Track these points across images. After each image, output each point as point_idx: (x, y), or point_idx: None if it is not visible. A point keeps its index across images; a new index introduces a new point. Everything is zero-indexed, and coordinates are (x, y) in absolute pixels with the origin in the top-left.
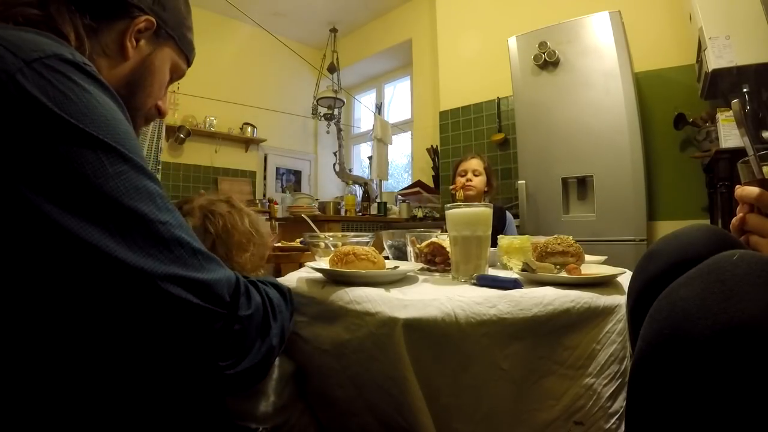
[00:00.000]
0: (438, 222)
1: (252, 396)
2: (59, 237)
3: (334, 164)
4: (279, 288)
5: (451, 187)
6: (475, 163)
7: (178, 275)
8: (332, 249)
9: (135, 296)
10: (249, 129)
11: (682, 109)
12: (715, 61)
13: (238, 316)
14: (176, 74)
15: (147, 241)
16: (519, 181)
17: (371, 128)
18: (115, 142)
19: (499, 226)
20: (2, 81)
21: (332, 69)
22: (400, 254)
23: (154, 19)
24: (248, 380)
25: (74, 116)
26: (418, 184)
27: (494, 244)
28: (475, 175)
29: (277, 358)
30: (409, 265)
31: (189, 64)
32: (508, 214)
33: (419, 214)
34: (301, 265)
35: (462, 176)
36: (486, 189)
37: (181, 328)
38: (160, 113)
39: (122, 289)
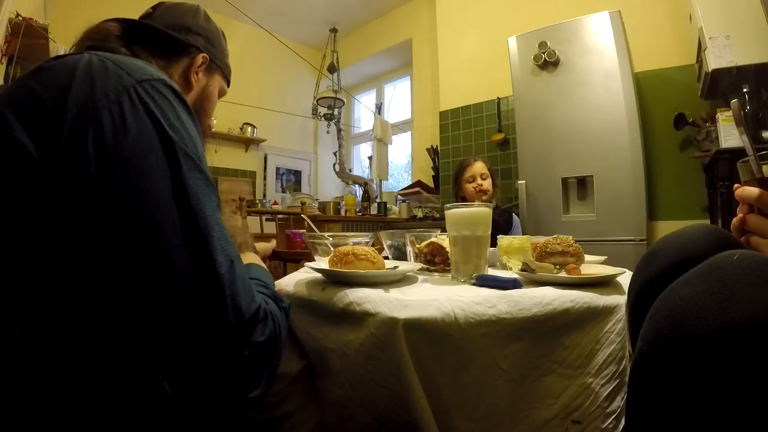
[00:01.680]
0: (438, 222)
1: None
2: (128, 220)
3: (334, 164)
4: (280, 303)
5: (468, 187)
6: (480, 167)
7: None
8: (332, 249)
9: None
10: (249, 129)
11: (682, 109)
12: (715, 61)
13: (251, 342)
14: (221, 95)
15: (202, 239)
16: (519, 181)
17: (371, 128)
18: (194, 154)
19: (506, 227)
20: (120, 92)
21: (332, 69)
22: (400, 254)
23: (207, 56)
24: (253, 408)
25: (170, 127)
26: (418, 184)
27: (494, 244)
28: (483, 179)
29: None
30: (409, 265)
31: (229, 84)
32: (515, 216)
33: (419, 214)
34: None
35: (470, 182)
36: (492, 191)
37: (191, 335)
38: (210, 129)
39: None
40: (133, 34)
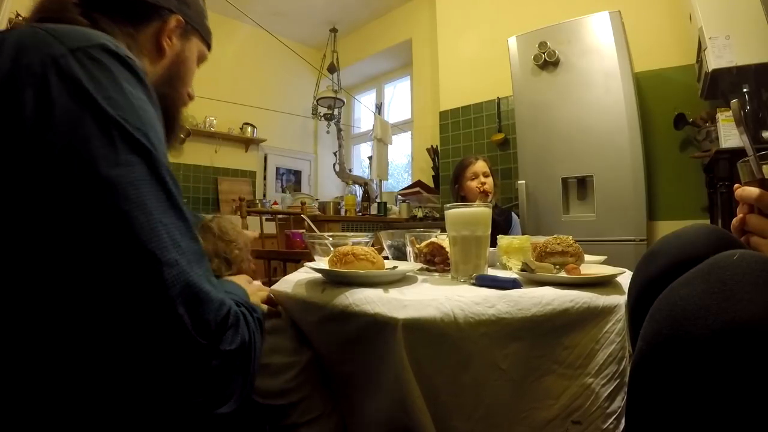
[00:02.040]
0: (438, 222)
1: (266, 373)
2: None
3: (334, 164)
4: (254, 313)
5: (478, 187)
6: (483, 165)
7: (181, 266)
8: (332, 249)
9: (136, 280)
10: (249, 129)
11: (682, 109)
12: (715, 61)
13: (220, 350)
14: (201, 60)
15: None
16: (519, 181)
17: (371, 128)
18: (139, 132)
19: (505, 226)
20: (46, 64)
21: (332, 69)
22: (400, 254)
23: (182, 18)
24: (226, 422)
25: (106, 100)
26: (418, 184)
27: (494, 244)
28: (486, 177)
29: (296, 344)
30: (408, 265)
31: (210, 48)
32: (515, 216)
33: (419, 214)
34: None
35: (473, 179)
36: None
37: (155, 336)
38: (190, 98)
39: (124, 273)
40: (94, 1)
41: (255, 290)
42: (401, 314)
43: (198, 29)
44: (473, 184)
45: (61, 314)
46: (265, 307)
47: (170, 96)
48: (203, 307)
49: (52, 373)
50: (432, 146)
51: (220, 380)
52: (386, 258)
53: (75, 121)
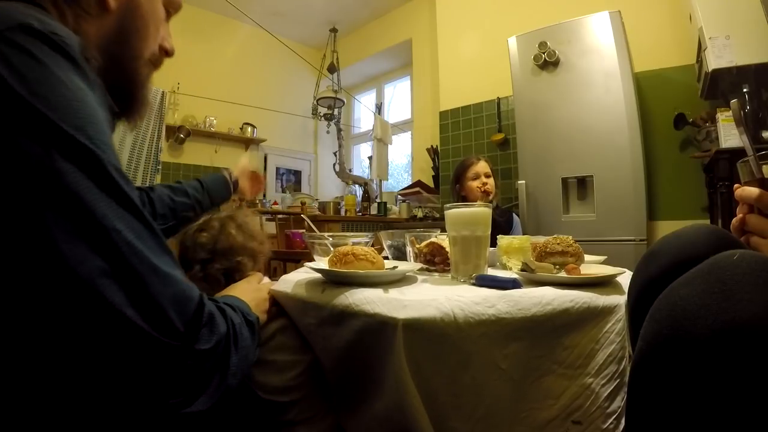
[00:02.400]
0: (438, 222)
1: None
2: None
3: (334, 164)
4: (246, 316)
5: (479, 186)
6: (485, 165)
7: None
8: (332, 249)
9: (67, 295)
10: (249, 129)
11: (682, 109)
12: (715, 61)
13: (195, 350)
14: (172, 7)
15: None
16: (519, 181)
17: (371, 128)
18: (75, 128)
19: (506, 227)
20: None
21: (332, 69)
22: (400, 254)
23: None
24: (205, 419)
25: (31, 95)
26: (418, 184)
27: (494, 244)
28: (488, 177)
29: (301, 343)
30: (408, 265)
31: None
32: (515, 216)
33: (419, 214)
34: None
35: (475, 180)
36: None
37: (113, 348)
38: (167, 53)
39: (56, 287)
40: None
41: (259, 302)
42: (401, 314)
43: None
44: (474, 184)
45: (23, 329)
46: (265, 316)
47: (126, 56)
48: (170, 310)
49: (24, 383)
50: (432, 146)
51: (196, 379)
52: (386, 258)
53: (6, 127)
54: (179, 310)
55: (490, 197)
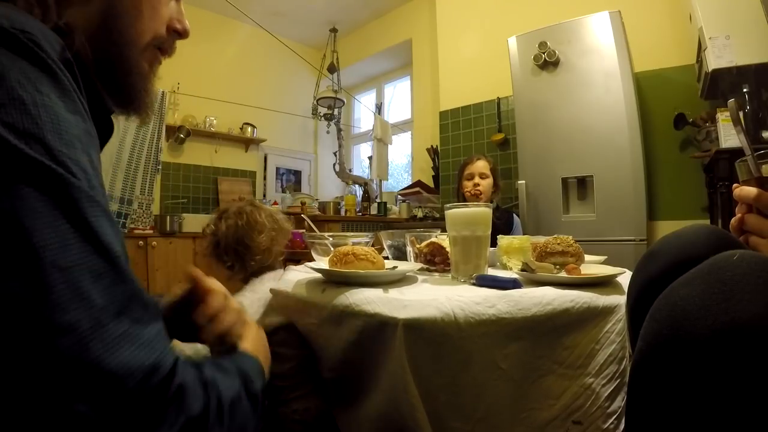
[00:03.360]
0: (438, 222)
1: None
2: None
3: (334, 164)
4: (250, 385)
5: (466, 191)
6: (481, 165)
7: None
8: (332, 249)
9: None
10: (249, 129)
11: (682, 109)
12: (715, 61)
13: None
14: None
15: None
16: (519, 181)
17: (371, 128)
18: (44, 149)
19: (506, 229)
20: None
21: (332, 69)
22: (400, 254)
23: None
24: None
25: None
26: (418, 184)
27: (494, 244)
28: (482, 178)
29: (302, 340)
30: (408, 265)
31: None
32: (515, 217)
33: (419, 214)
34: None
35: (469, 180)
36: (493, 190)
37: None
38: (180, 34)
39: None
40: None
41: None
42: (401, 314)
43: None
44: (468, 184)
45: None
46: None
47: (116, 43)
48: (117, 387)
49: None
50: (432, 146)
51: None
52: (386, 258)
53: None
54: (133, 380)
55: (482, 198)
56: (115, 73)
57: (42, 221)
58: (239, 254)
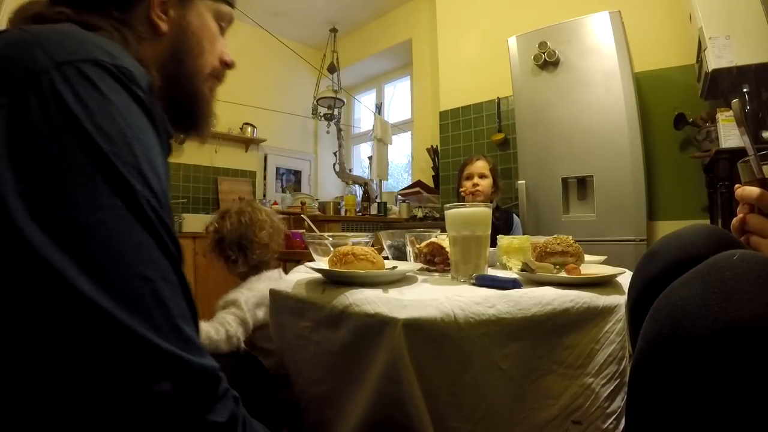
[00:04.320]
0: (438, 222)
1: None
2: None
3: (334, 164)
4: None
5: (461, 191)
6: (480, 166)
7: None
8: (332, 249)
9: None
10: (249, 129)
11: (682, 109)
12: (715, 61)
13: (205, 420)
14: (224, 20)
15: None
16: (519, 181)
17: (371, 128)
18: (132, 172)
19: (506, 229)
20: (27, 81)
21: (332, 69)
22: (400, 254)
23: None
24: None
25: (96, 129)
26: (418, 184)
27: (494, 244)
28: (481, 178)
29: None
30: (408, 265)
31: (232, 4)
32: (516, 217)
33: (419, 214)
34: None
35: (468, 180)
36: (493, 190)
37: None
38: (228, 65)
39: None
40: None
41: None
42: (401, 314)
43: None
44: (466, 184)
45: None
46: None
47: (184, 75)
48: (185, 379)
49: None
50: (432, 146)
51: None
52: (386, 258)
53: (56, 153)
54: (198, 380)
55: (481, 198)
56: (180, 98)
57: (133, 236)
58: (242, 248)
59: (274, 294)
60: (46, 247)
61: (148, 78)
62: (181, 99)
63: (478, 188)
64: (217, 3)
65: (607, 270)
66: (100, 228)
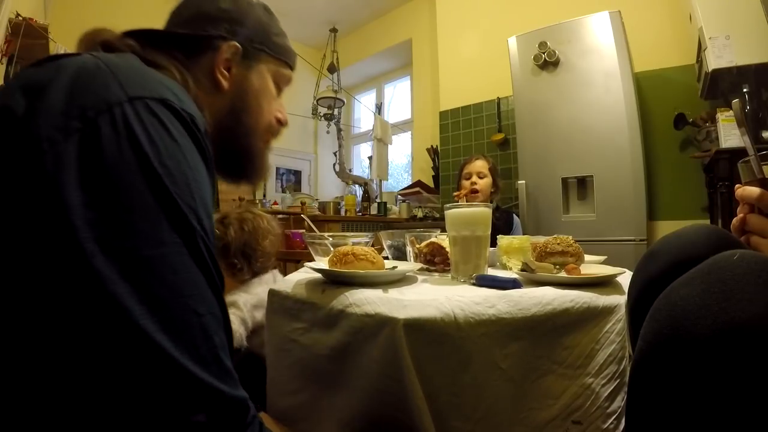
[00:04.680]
0: (438, 222)
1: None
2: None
3: (334, 164)
4: None
5: (455, 194)
6: (479, 165)
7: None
8: (332, 249)
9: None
10: None
11: (682, 109)
12: (715, 61)
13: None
14: (282, 82)
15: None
16: (519, 181)
17: (371, 128)
18: (189, 209)
19: (506, 229)
20: (100, 109)
21: (332, 69)
22: (400, 254)
23: (236, 43)
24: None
25: (161, 166)
26: (418, 184)
27: (494, 244)
28: (480, 178)
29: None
30: (408, 265)
31: (292, 68)
32: (516, 217)
33: (419, 214)
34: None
35: (467, 179)
36: (492, 190)
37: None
38: (281, 123)
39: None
40: (146, 34)
41: None
42: (401, 314)
43: (263, 50)
44: (465, 183)
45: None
46: None
47: (239, 132)
48: (220, 410)
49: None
50: (432, 146)
51: None
52: (386, 258)
53: (126, 187)
54: (234, 403)
55: (479, 197)
56: (236, 155)
57: (189, 272)
58: (247, 256)
59: (273, 294)
60: (108, 274)
61: (206, 124)
62: (235, 153)
63: (476, 187)
64: (279, 66)
65: (607, 270)
66: (161, 262)
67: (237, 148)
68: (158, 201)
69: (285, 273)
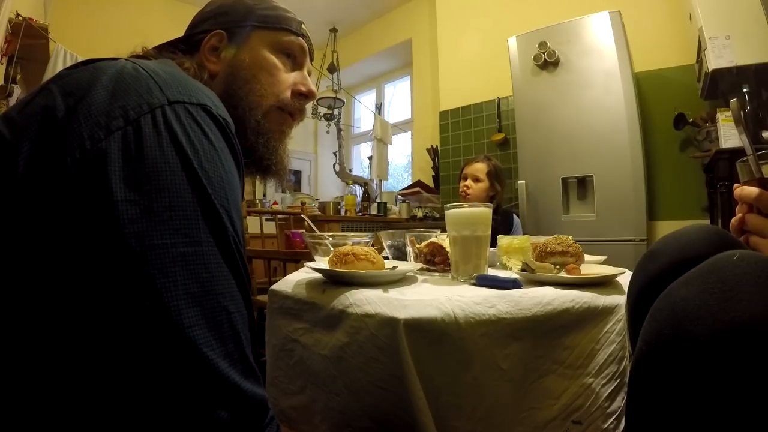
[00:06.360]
0: (438, 222)
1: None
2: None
3: (334, 164)
4: None
5: (464, 188)
6: (477, 168)
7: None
8: (332, 249)
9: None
10: None
11: (682, 109)
12: (715, 61)
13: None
14: (289, 50)
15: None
16: (519, 181)
17: (371, 128)
18: (224, 211)
19: (505, 230)
20: (142, 110)
21: (332, 69)
22: (400, 254)
23: (220, 30)
24: None
25: (201, 169)
26: (418, 184)
27: (494, 244)
28: (475, 181)
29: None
30: (408, 265)
31: (296, 32)
32: (515, 218)
33: (419, 214)
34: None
35: (464, 180)
36: (492, 194)
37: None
38: (306, 96)
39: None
40: (172, 43)
41: None
42: (402, 314)
43: (249, 26)
44: (461, 185)
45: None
46: None
47: (240, 110)
48: (241, 408)
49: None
50: (432, 146)
51: None
52: (386, 258)
53: (168, 186)
54: (255, 400)
55: (470, 200)
56: (243, 136)
57: (221, 271)
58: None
59: (273, 294)
60: (147, 269)
61: (232, 124)
62: (245, 137)
63: (467, 191)
64: (275, 35)
65: (607, 270)
66: (196, 259)
67: (243, 128)
68: (198, 202)
69: (285, 273)
